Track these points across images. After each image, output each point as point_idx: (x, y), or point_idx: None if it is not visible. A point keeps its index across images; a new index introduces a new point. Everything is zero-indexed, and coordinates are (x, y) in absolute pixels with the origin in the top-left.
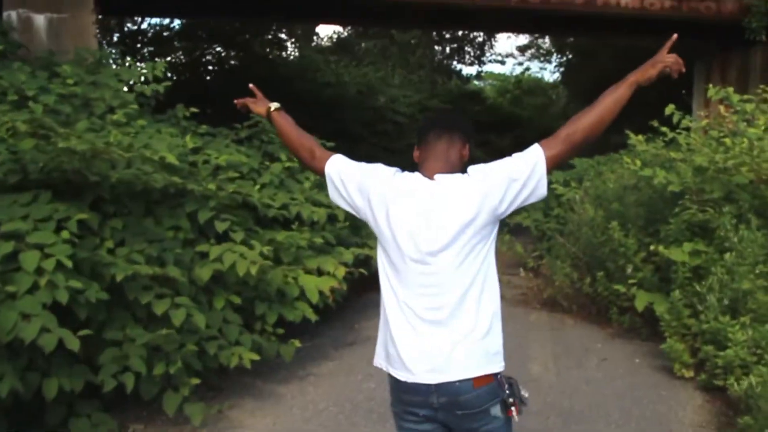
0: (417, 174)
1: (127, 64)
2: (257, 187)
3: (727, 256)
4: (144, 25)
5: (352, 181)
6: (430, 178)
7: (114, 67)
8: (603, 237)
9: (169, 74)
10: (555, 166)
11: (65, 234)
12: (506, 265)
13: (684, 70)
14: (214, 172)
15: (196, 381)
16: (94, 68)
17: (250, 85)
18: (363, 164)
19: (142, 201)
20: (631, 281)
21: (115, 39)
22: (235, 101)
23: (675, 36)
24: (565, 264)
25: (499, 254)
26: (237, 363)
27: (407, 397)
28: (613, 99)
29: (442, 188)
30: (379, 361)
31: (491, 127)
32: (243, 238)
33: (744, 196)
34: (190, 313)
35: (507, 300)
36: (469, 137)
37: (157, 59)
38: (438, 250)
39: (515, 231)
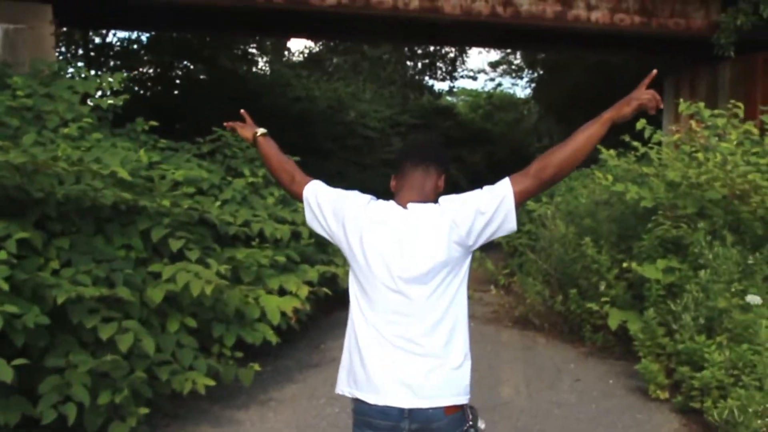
0: (391, 202)
1: (83, 75)
2: (218, 203)
3: (701, 273)
4: (110, 38)
5: (328, 206)
6: (404, 206)
7: (71, 78)
8: (575, 253)
9: (135, 88)
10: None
11: (2, 254)
12: (477, 281)
13: (662, 106)
14: (172, 188)
15: (144, 410)
16: (50, 80)
17: (242, 111)
18: (340, 190)
19: (92, 218)
20: (604, 299)
21: (80, 52)
22: (225, 124)
23: (654, 72)
24: (536, 281)
25: (470, 271)
26: (191, 389)
27: (376, 421)
28: (585, 136)
29: (414, 218)
30: (341, 387)
31: (463, 143)
32: (199, 257)
33: (717, 212)
34: (139, 338)
35: (478, 318)
36: (445, 168)
37: (124, 72)
38: (410, 279)
39: (486, 247)
